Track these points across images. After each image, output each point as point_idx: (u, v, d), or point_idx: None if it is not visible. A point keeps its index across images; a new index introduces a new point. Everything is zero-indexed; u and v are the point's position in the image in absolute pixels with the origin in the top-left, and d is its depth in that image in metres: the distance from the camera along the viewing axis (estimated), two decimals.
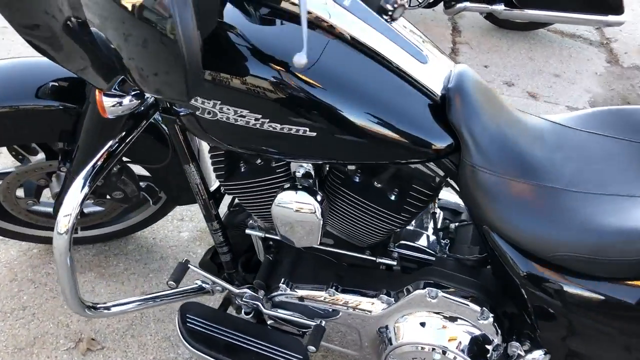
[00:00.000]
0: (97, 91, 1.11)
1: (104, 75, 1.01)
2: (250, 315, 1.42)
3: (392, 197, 1.17)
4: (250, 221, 1.37)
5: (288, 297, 1.32)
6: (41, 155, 1.54)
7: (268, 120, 1.00)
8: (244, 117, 1.00)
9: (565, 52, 3.61)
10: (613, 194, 1.02)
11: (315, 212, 1.15)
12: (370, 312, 1.25)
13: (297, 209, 1.15)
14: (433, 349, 1.19)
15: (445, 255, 1.29)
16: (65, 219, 1.13)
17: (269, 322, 1.42)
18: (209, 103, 1.00)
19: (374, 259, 1.30)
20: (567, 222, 1.01)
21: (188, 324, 1.32)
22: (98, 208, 1.69)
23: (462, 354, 1.17)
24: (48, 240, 1.82)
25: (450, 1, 3.50)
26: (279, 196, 1.16)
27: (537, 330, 1.13)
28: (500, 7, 3.44)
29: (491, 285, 1.21)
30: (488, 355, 1.19)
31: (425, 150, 1.04)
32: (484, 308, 1.15)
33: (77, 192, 1.13)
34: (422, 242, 1.32)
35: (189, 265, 1.40)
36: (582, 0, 3.32)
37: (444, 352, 1.18)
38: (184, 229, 1.98)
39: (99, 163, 1.16)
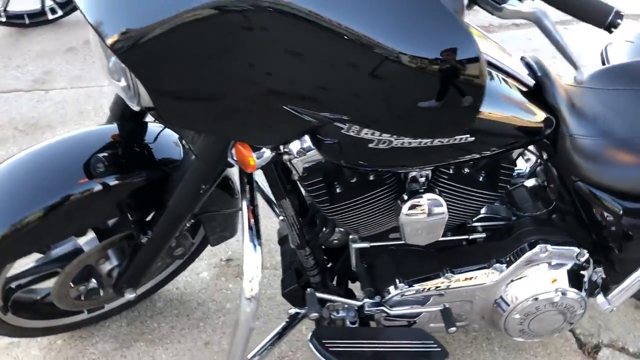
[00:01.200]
0: (241, 148, 1.09)
1: (283, 131, 1.02)
2: (356, 323, 1.49)
3: (488, 179, 1.34)
4: (351, 236, 1.43)
5: (406, 294, 1.42)
6: (91, 235, 1.39)
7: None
8: (417, 138, 1.08)
9: None
10: None
11: (443, 209, 1.27)
12: (485, 282, 1.41)
13: (428, 212, 1.26)
14: (548, 295, 1.40)
15: (517, 217, 1.50)
16: (249, 285, 1.10)
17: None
18: (386, 134, 1.05)
19: (467, 237, 1.46)
20: None
21: (331, 349, 1.35)
22: None
23: (572, 289, 1.41)
24: (76, 325, 1.64)
25: None
26: (407, 205, 1.25)
27: (621, 253, 1.41)
28: None
29: (570, 229, 1.46)
30: (584, 284, 1.44)
31: (537, 132, 1.23)
32: (581, 248, 1.40)
33: (252, 256, 1.11)
34: (494, 211, 1.52)
35: (315, 293, 1.41)
36: None
37: (559, 293, 1.40)
38: (199, 269, 1.91)
39: (253, 222, 1.14)
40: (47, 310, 1.53)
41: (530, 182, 1.58)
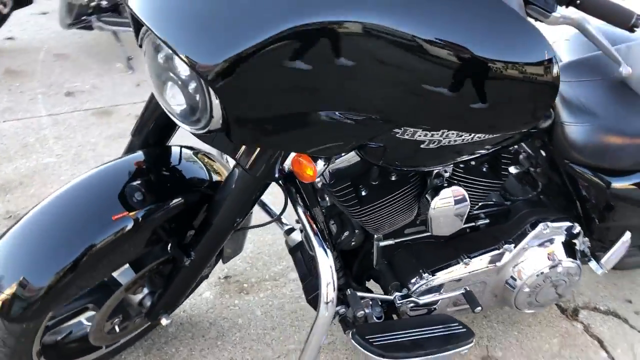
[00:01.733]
0: (302, 160, 1.14)
1: (349, 142, 1.09)
2: (382, 318, 1.58)
3: (492, 169, 1.49)
4: (376, 235, 1.52)
5: (431, 283, 1.52)
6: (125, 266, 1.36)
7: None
8: (461, 136, 1.19)
9: None
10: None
11: (467, 199, 1.39)
12: (498, 263, 1.55)
13: (454, 203, 1.38)
14: (552, 267, 1.57)
15: (510, 202, 1.67)
16: (326, 289, 1.16)
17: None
18: (437, 134, 1.15)
19: (474, 223, 1.60)
20: (625, 144, 1.50)
21: (375, 343, 1.42)
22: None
23: (569, 258, 1.58)
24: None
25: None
26: (437, 199, 1.36)
27: (602, 223, 1.61)
28: None
29: (559, 206, 1.64)
30: (577, 253, 1.63)
31: (537, 124, 1.40)
32: (573, 222, 1.59)
33: (325, 260, 1.17)
34: (489, 197, 1.67)
35: (356, 293, 1.47)
36: None
37: (560, 265, 1.57)
38: (201, 290, 1.90)
39: (316, 228, 1.20)
40: (69, 349, 1.47)
41: (512, 169, 1.76)
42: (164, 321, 1.42)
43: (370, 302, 1.58)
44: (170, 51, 0.94)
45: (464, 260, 1.53)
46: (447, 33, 0.90)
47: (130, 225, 1.19)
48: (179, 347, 1.70)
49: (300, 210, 1.24)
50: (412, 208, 1.44)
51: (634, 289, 2.12)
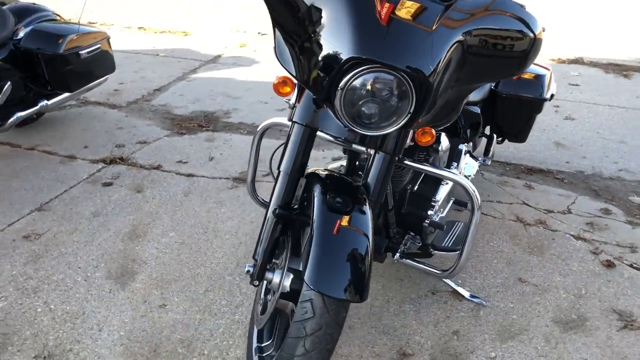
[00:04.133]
0: (428, 130, 1.82)
1: None
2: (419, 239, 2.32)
3: None
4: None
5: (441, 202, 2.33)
6: None
7: None
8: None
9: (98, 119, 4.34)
10: None
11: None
12: (457, 176, 2.46)
13: (448, 144, 2.24)
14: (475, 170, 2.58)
15: None
16: (475, 197, 1.85)
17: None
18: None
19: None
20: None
21: (447, 246, 2.19)
22: None
23: (477, 162, 2.62)
24: None
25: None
26: (442, 144, 2.20)
27: (476, 137, 2.72)
28: (44, 102, 3.77)
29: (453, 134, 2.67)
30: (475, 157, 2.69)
31: None
32: (469, 141, 2.64)
33: (467, 182, 1.85)
34: None
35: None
36: (89, 76, 4.05)
37: (477, 165, 2.60)
38: None
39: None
40: None
41: None
42: None
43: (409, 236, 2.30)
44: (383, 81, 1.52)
45: (443, 182, 2.39)
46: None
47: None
48: None
49: (424, 166, 1.90)
50: None
51: None
